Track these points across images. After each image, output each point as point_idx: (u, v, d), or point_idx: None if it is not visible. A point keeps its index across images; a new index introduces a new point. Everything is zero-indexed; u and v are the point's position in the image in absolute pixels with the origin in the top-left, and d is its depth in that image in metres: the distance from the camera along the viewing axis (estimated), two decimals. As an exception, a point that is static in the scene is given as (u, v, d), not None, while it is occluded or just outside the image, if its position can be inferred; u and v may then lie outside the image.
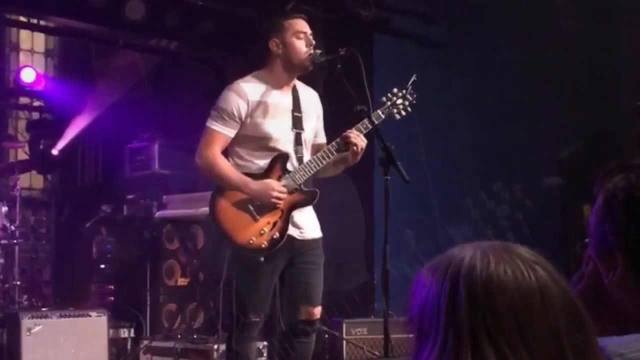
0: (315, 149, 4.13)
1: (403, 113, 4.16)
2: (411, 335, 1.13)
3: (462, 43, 6.97)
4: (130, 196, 7.44)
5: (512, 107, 6.76)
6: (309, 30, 4.02)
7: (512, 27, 6.80)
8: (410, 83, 4.17)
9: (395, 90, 4.15)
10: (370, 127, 3.95)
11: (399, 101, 4.13)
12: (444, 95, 6.70)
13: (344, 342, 5.47)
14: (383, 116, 4.06)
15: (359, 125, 3.98)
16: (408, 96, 4.16)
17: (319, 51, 3.99)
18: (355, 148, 3.94)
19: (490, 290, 1.03)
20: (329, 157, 3.99)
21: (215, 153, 3.96)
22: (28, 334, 5.39)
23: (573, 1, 6.80)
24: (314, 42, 4.00)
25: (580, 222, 6.61)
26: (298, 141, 4.05)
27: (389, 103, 4.11)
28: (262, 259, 3.90)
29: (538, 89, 6.74)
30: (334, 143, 4.00)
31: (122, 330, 6.21)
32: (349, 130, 3.96)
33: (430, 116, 6.46)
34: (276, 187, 3.92)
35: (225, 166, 3.97)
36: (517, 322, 1.01)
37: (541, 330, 1.01)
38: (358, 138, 3.93)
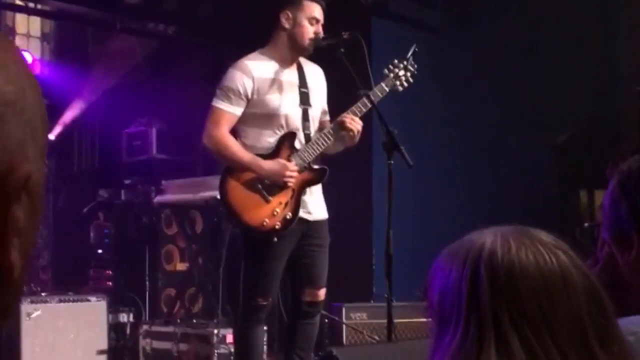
0: (321, 125, 4.12)
1: (405, 84, 4.14)
2: (430, 321, 1.13)
3: (460, 28, 6.95)
4: (127, 181, 7.42)
5: (509, 92, 6.75)
6: (322, 20, 4.00)
7: (509, 12, 6.78)
8: (410, 53, 4.15)
9: (396, 61, 4.13)
10: (371, 104, 3.92)
11: (401, 72, 4.12)
12: (440, 80, 6.69)
13: (344, 327, 5.48)
14: (387, 89, 4.05)
15: (353, 108, 3.95)
16: (409, 67, 4.15)
17: (321, 34, 3.97)
18: (351, 133, 3.93)
19: (513, 275, 1.03)
20: (329, 139, 3.98)
21: (223, 132, 3.92)
22: (27, 318, 5.39)
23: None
24: (322, 33, 3.97)
25: (577, 208, 6.63)
26: (306, 117, 4.03)
27: (391, 75, 4.09)
28: (276, 239, 3.89)
29: (535, 74, 6.74)
30: (330, 128, 3.99)
31: (121, 315, 6.21)
32: (343, 115, 3.95)
33: (426, 99, 6.47)
34: (288, 166, 3.90)
35: (235, 146, 3.93)
36: (539, 306, 1.02)
37: (564, 314, 1.02)
38: (353, 123, 3.92)
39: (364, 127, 4.02)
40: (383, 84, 4.05)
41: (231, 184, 3.94)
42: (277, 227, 3.90)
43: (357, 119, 3.94)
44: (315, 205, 4.05)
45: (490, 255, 1.06)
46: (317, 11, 3.99)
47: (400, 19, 6.94)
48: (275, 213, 3.91)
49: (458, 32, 6.91)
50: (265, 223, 3.89)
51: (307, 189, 4.01)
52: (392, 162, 3.78)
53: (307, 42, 3.96)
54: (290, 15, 3.97)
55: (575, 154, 6.60)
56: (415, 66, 4.16)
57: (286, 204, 3.93)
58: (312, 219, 4.02)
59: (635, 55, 6.57)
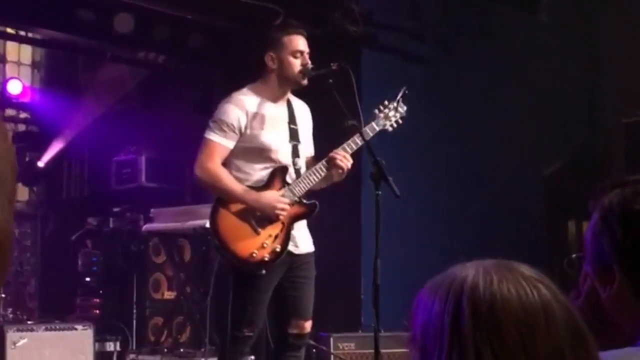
0: (306, 161, 4.15)
1: (395, 125, 4.19)
2: (412, 355, 1.14)
3: (448, 59, 7.01)
4: (116, 209, 7.41)
5: (496, 123, 6.80)
6: (306, 50, 4.03)
7: (497, 44, 6.85)
8: (400, 95, 4.20)
9: (386, 102, 4.18)
10: (363, 142, 3.97)
11: (391, 113, 4.17)
12: (429, 110, 6.73)
13: (332, 357, 5.46)
14: (378, 128, 4.10)
15: (344, 145, 3.99)
16: (399, 108, 4.19)
17: (310, 66, 4.01)
18: (340, 170, 3.97)
19: (494, 309, 1.04)
20: (320, 174, 4.01)
21: (216, 164, 3.95)
22: (13, 347, 5.35)
23: (557, 18, 6.87)
24: (309, 63, 4.01)
25: (565, 239, 6.65)
26: (295, 153, 4.07)
27: (381, 115, 4.14)
28: (264, 271, 3.90)
29: (522, 106, 6.79)
30: (322, 163, 4.01)
31: (108, 344, 6.18)
32: (335, 151, 3.98)
33: (414, 130, 6.49)
34: (280, 199, 3.93)
35: (228, 178, 3.96)
36: (521, 339, 1.03)
37: (545, 348, 1.03)
38: (344, 160, 3.95)
39: (352, 157, 4.05)
40: (374, 123, 4.09)
41: (222, 214, 3.96)
42: (265, 259, 3.91)
43: (348, 156, 3.98)
44: (301, 238, 4.07)
45: (473, 288, 1.07)
46: (299, 43, 4.04)
47: (389, 50, 7.00)
48: (264, 245, 3.92)
49: (446, 64, 6.97)
50: (254, 255, 3.90)
51: (295, 224, 4.02)
52: (380, 192, 3.80)
53: (296, 75, 4.01)
54: (274, 55, 4.02)
55: (563, 185, 6.64)
56: (405, 108, 4.21)
57: (276, 237, 3.95)
58: (298, 252, 4.04)
59: (621, 86, 6.64)
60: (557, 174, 6.81)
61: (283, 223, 3.97)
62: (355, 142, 3.99)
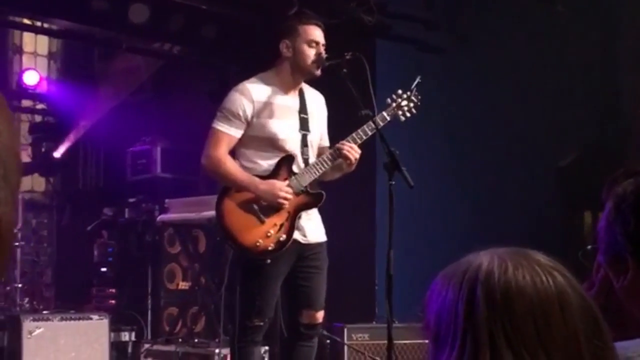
0: (319, 151, 4.14)
1: (408, 115, 4.16)
2: (426, 342, 1.13)
3: (463, 49, 6.97)
4: (131, 199, 7.45)
5: (512, 113, 6.76)
6: (322, 41, 4.00)
7: (512, 33, 6.80)
8: (414, 84, 4.17)
9: (399, 91, 4.15)
10: (372, 132, 3.95)
11: (404, 102, 4.14)
12: (444, 100, 6.70)
13: (345, 348, 5.46)
14: (389, 118, 4.06)
15: (353, 135, 3.97)
16: (413, 98, 4.16)
17: (324, 55, 3.99)
18: (348, 161, 3.95)
19: (509, 296, 1.03)
20: (326, 164, 3.99)
21: (221, 153, 3.94)
22: (29, 336, 5.39)
23: (573, 7, 6.81)
24: (324, 53, 3.99)
25: (581, 230, 6.62)
26: (305, 143, 4.05)
27: (394, 104, 4.11)
28: (269, 261, 3.89)
29: (538, 96, 6.75)
30: (328, 154, 4.00)
31: (123, 334, 6.21)
32: (342, 142, 3.96)
33: (429, 120, 6.48)
34: (283, 187, 3.91)
35: (232, 166, 3.95)
36: (535, 327, 1.02)
37: (560, 335, 1.02)
38: (351, 151, 3.93)
39: (367, 148, 4.03)
40: (385, 113, 4.06)
41: (227, 204, 3.95)
42: (270, 248, 3.90)
43: (355, 146, 3.95)
44: (311, 228, 4.05)
45: (487, 275, 1.06)
46: (315, 33, 4.01)
47: (404, 40, 6.97)
48: (269, 234, 3.91)
49: (462, 54, 6.93)
50: (258, 244, 3.89)
51: (305, 213, 4.01)
52: (394, 182, 3.77)
53: (310, 65, 3.98)
54: (289, 43, 3.99)
55: (580, 176, 6.59)
56: (419, 97, 4.17)
57: (281, 226, 3.93)
58: (306, 242, 4.02)
59: (638, 77, 6.59)
60: (572, 165, 6.76)
61: (288, 212, 3.94)
62: (365, 131, 3.96)
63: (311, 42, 3.98)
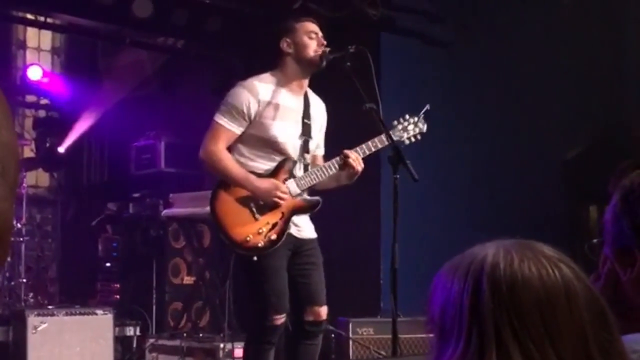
0: (313, 159, 4.12)
1: (412, 140, 4.14)
2: (431, 335, 1.12)
3: (469, 42, 6.94)
4: (136, 194, 7.44)
5: (518, 107, 6.73)
6: (320, 32, 4.01)
7: (518, 26, 6.78)
8: (423, 112, 4.15)
9: (407, 116, 4.14)
10: (376, 149, 3.94)
11: (410, 127, 4.12)
12: (449, 94, 6.68)
13: (350, 342, 5.46)
14: (395, 138, 4.02)
15: (357, 148, 3.95)
16: (420, 124, 4.15)
17: (328, 49, 3.97)
18: (352, 170, 3.94)
19: (515, 288, 1.02)
20: (331, 170, 3.98)
21: (220, 148, 3.91)
22: (34, 331, 5.39)
23: (579, 1, 6.78)
24: (325, 42, 3.99)
25: (587, 223, 6.59)
26: (305, 148, 4.04)
27: (399, 127, 4.10)
28: (255, 258, 3.86)
29: (545, 89, 6.72)
30: (336, 159, 3.98)
31: (127, 329, 6.21)
32: (349, 151, 3.94)
33: (434, 113, 6.45)
34: (279, 186, 3.90)
35: (230, 161, 3.92)
36: (542, 319, 1.01)
37: (566, 327, 1.01)
38: (357, 161, 3.92)
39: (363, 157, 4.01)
40: (391, 132, 4.01)
41: (222, 197, 3.94)
42: (259, 245, 3.87)
43: (360, 159, 3.94)
44: (303, 224, 4.04)
45: (493, 268, 1.05)
46: (311, 26, 4.02)
47: (409, 34, 6.94)
48: (260, 231, 3.89)
49: (466, 47, 6.90)
50: (248, 239, 3.87)
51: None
52: (398, 176, 3.77)
53: (314, 55, 3.96)
54: (289, 40, 3.99)
55: (585, 170, 6.57)
56: (426, 125, 4.16)
57: (273, 225, 3.91)
58: (300, 236, 4.01)
59: (646, 70, 6.56)
60: (579, 158, 6.74)
61: (282, 213, 3.93)
62: (370, 147, 3.96)
63: (310, 34, 3.98)
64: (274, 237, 3.90)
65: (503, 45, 6.77)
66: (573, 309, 1.02)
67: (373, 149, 3.97)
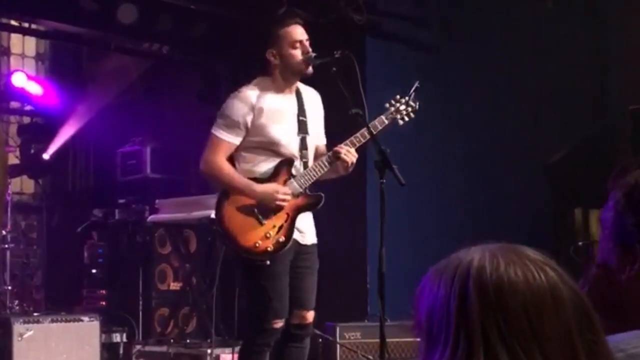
0: (317, 150, 4.16)
1: (406, 119, 4.19)
2: (418, 340, 1.12)
3: (453, 46, 6.97)
4: (121, 200, 7.42)
5: (503, 110, 6.77)
6: (305, 37, 4.03)
7: (502, 31, 6.81)
8: (413, 89, 4.19)
9: (398, 96, 4.18)
10: (370, 135, 3.96)
11: (402, 107, 4.17)
12: (434, 98, 6.70)
13: (338, 347, 5.46)
14: (387, 122, 4.09)
15: (352, 138, 3.99)
16: (411, 102, 4.19)
17: (313, 54, 3.99)
18: (344, 164, 3.98)
19: (502, 292, 1.03)
20: (324, 168, 4.03)
21: (219, 159, 3.99)
22: (20, 339, 5.36)
23: (563, 5, 6.82)
24: (310, 50, 4.00)
25: (572, 227, 6.63)
26: (304, 145, 4.09)
27: (392, 109, 4.14)
28: (268, 262, 3.91)
29: (528, 94, 6.76)
30: (326, 158, 4.03)
31: (114, 335, 6.19)
32: (339, 146, 3.99)
33: (420, 118, 6.47)
34: (280, 190, 3.95)
35: (230, 171, 4.00)
36: (529, 322, 1.01)
37: (553, 330, 1.02)
38: (348, 154, 3.96)
39: (358, 146, 4.03)
40: (383, 117, 4.09)
41: (227, 205, 4.00)
42: (269, 249, 3.93)
43: (352, 150, 3.99)
44: (306, 229, 4.09)
45: (479, 271, 1.05)
46: (297, 32, 4.03)
47: (394, 38, 6.97)
48: (268, 235, 3.95)
49: (452, 51, 6.93)
50: (257, 244, 3.93)
51: (302, 214, 4.04)
52: (384, 181, 3.79)
53: (299, 64, 4.00)
54: (275, 52, 4.03)
55: (569, 173, 6.61)
56: (417, 102, 4.20)
57: (280, 228, 3.97)
58: (304, 243, 4.07)
59: (628, 73, 6.60)
60: (563, 161, 6.77)
61: (287, 214, 3.99)
62: (364, 135, 3.99)
63: (294, 44, 4.00)
64: (282, 239, 3.95)
65: (487, 49, 6.80)
66: (559, 312, 1.03)
67: (362, 140, 4.00)
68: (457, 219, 6.67)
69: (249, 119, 3.97)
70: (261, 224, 3.95)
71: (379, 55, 6.76)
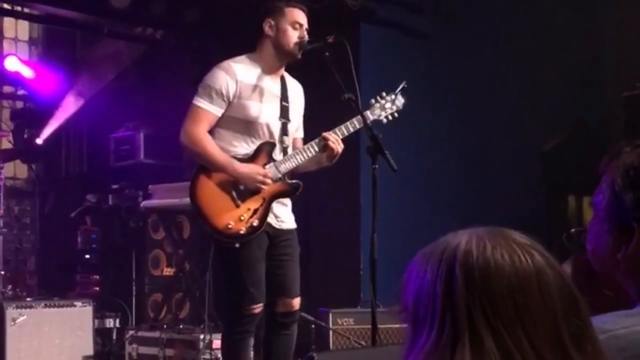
0: (294, 143, 4.11)
1: (390, 118, 4.16)
2: (405, 325, 1.12)
3: (447, 33, 6.96)
4: (115, 186, 7.41)
5: (496, 98, 6.76)
6: (305, 25, 3.99)
7: (496, 17, 6.80)
8: (399, 89, 4.16)
9: (384, 93, 4.14)
10: (355, 129, 3.94)
11: (388, 105, 4.12)
12: (428, 85, 6.70)
13: (331, 332, 5.47)
14: (372, 117, 4.05)
15: (336, 129, 3.95)
16: (397, 101, 4.15)
17: (306, 38, 3.96)
18: (331, 152, 3.92)
19: (488, 275, 1.03)
20: (310, 153, 3.97)
21: (201, 131, 3.87)
22: (13, 324, 5.36)
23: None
24: (306, 36, 3.97)
25: (565, 214, 6.64)
26: (284, 131, 4.02)
27: (377, 105, 4.10)
28: (237, 245, 3.84)
29: (521, 80, 6.75)
30: (315, 141, 3.98)
31: (107, 320, 6.20)
32: (328, 132, 3.93)
33: (413, 104, 6.47)
34: (262, 172, 3.89)
35: (211, 145, 3.88)
36: (514, 306, 1.02)
37: (538, 313, 1.02)
38: (336, 143, 3.91)
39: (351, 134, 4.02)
40: (368, 112, 4.05)
41: (202, 183, 3.88)
42: (241, 232, 3.84)
43: (339, 140, 3.93)
44: (285, 214, 4.03)
45: (466, 255, 1.05)
46: (299, 16, 3.99)
47: (388, 25, 6.94)
48: (242, 218, 3.86)
49: (446, 38, 6.92)
50: (230, 226, 3.83)
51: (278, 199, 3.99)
52: (377, 166, 3.77)
53: (292, 46, 3.96)
54: (272, 22, 3.96)
55: (563, 161, 6.61)
56: (403, 102, 4.17)
57: (255, 211, 3.88)
58: (279, 227, 3.99)
59: (622, 60, 6.60)
60: (556, 149, 6.77)
61: (264, 198, 3.91)
62: (348, 128, 3.96)
63: (295, 24, 3.96)
64: (255, 223, 3.87)
65: (481, 36, 6.79)
66: (545, 296, 1.03)
67: (352, 129, 3.97)
68: (450, 205, 6.67)
69: (232, 91, 3.88)
70: (237, 205, 3.86)
71: (372, 41, 6.74)
